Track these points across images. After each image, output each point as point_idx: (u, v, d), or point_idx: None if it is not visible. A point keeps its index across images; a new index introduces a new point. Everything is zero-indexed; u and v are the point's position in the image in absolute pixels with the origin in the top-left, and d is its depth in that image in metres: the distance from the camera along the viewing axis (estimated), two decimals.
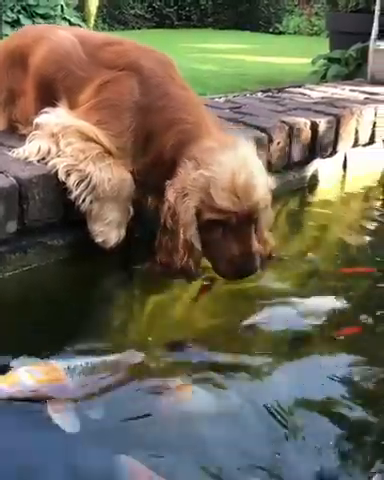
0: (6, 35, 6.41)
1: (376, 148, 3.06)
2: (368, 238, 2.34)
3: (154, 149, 1.82)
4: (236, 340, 1.64)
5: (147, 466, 1.13)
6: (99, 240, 1.82)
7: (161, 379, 1.40)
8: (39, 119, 1.85)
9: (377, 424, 1.33)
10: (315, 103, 3.02)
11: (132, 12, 12.25)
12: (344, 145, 2.83)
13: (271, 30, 12.72)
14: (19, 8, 8.39)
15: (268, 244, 1.88)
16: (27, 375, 1.32)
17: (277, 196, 2.51)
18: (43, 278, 1.85)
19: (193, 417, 1.30)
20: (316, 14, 12.78)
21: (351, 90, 3.44)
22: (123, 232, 1.86)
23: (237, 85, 5.61)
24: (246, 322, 1.67)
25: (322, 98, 3.18)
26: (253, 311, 1.73)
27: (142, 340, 1.57)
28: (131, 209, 1.87)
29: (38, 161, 1.83)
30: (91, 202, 1.79)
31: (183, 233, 1.70)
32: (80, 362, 1.39)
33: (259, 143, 2.39)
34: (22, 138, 1.96)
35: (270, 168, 2.49)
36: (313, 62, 5.59)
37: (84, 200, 1.78)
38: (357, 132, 2.87)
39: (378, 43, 3.76)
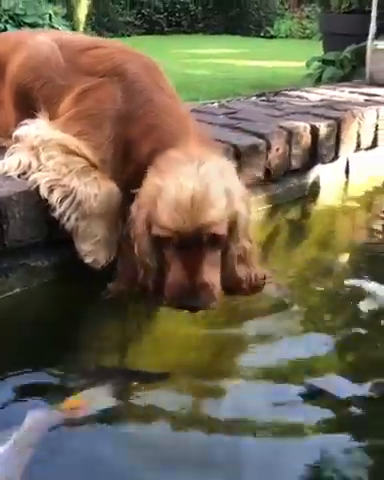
0: None
1: (379, 152, 2.93)
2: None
3: (133, 159, 1.69)
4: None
5: None
6: (88, 260, 1.69)
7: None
8: (18, 131, 1.74)
9: None
10: (314, 106, 2.90)
11: (121, 19, 12.18)
12: (346, 150, 2.70)
13: (262, 34, 12.69)
14: (6, 17, 8.31)
15: (246, 282, 1.66)
16: None
17: (277, 205, 2.44)
18: (26, 303, 1.71)
19: None
20: (307, 17, 12.75)
21: (350, 92, 3.31)
22: (114, 250, 1.72)
23: (230, 89, 5.52)
24: None
25: (321, 101, 3.05)
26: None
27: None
28: (121, 225, 1.73)
29: (18, 176, 1.70)
30: (77, 220, 1.66)
31: (137, 248, 1.58)
32: None
33: (257, 150, 2.27)
34: (1, 151, 1.83)
35: (269, 176, 2.37)
36: (307, 65, 5.50)
37: (69, 218, 1.66)
38: (359, 136, 2.75)
39: (376, 43, 3.65)
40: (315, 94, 3.27)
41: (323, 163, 2.64)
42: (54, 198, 1.63)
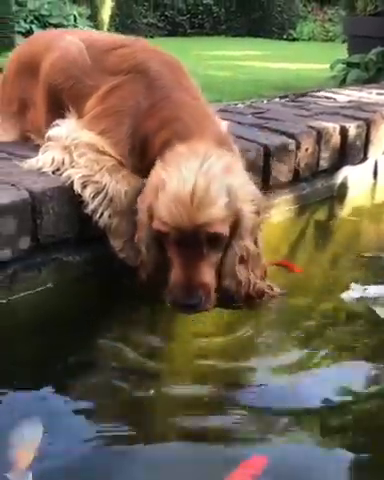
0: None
1: None
2: None
3: (148, 154, 1.70)
4: None
5: None
6: (123, 256, 1.71)
7: None
8: (51, 132, 1.77)
9: None
10: (342, 107, 2.88)
11: (145, 21, 12.25)
12: (375, 151, 2.68)
13: (285, 36, 12.68)
14: (32, 18, 8.39)
15: (245, 285, 1.60)
16: None
17: (305, 205, 2.43)
18: (58, 297, 1.72)
19: None
20: (330, 20, 12.71)
21: (378, 93, 3.28)
22: None
23: (252, 91, 5.52)
24: None
25: (349, 102, 3.03)
26: None
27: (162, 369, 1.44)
28: None
29: (53, 172, 1.73)
30: (110, 216, 1.68)
31: (137, 238, 1.60)
32: None
33: (287, 150, 2.26)
34: (34, 149, 1.87)
35: (297, 176, 2.36)
36: (332, 67, 5.48)
37: (102, 214, 1.67)
38: None
39: None
40: (342, 95, 3.25)
41: (352, 164, 2.62)
42: (87, 193, 1.65)
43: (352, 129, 2.52)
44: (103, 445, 1.19)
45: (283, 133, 2.34)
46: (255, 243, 1.61)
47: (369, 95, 3.26)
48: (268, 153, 2.20)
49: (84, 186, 1.66)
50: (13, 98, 2.11)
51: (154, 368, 1.44)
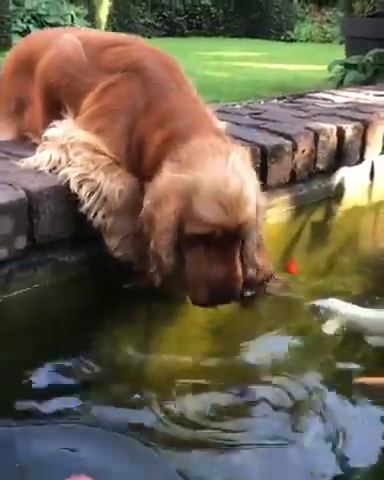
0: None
1: None
2: None
3: (146, 152, 1.68)
4: None
5: None
6: (118, 254, 1.70)
7: None
8: (48, 133, 1.77)
9: None
10: (339, 108, 2.88)
11: (142, 21, 12.24)
12: (372, 152, 2.69)
13: (283, 38, 12.68)
14: (29, 18, 8.40)
15: (261, 270, 1.68)
16: None
17: (302, 206, 2.43)
18: (54, 297, 1.72)
19: None
20: (328, 21, 12.73)
21: (376, 95, 3.29)
22: None
23: (250, 92, 5.52)
24: None
25: (346, 103, 3.03)
26: None
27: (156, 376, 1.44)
28: None
29: (49, 171, 1.72)
30: (104, 216, 1.68)
31: (154, 243, 1.55)
32: None
33: (283, 150, 2.26)
34: (32, 148, 1.86)
35: (294, 177, 2.36)
36: (329, 68, 5.49)
37: (96, 214, 1.67)
38: None
39: None
40: (340, 96, 3.26)
41: (348, 165, 2.63)
42: (83, 192, 1.65)
43: (349, 130, 2.53)
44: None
45: (280, 134, 2.34)
46: (261, 228, 1.70)
47: (366, 96, 3.27)
48: (265, 154, 2.20)
49: (80, 185, 1.66)
50: (10, 97, 2.10)
51: (151, 369, 1.44)
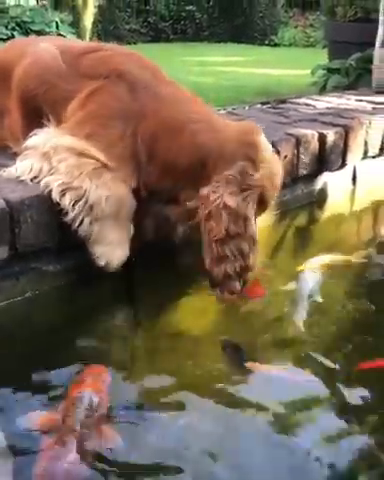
0: None
1: None
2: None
3: (163, 155, 1.71)
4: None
5: None
6: (101, 263, 1.70)
7: None
8: (28, 142, 1.75)
9: None
10: (321, 114, 2.91)
11: (127, 27, 12.25)
12: (353, 157, 2.71)
13: (267, 42, 12.72)
14: (14, 25, 8.36)
15: None
16: None
17: (285, 211, 2.45)
18: (37, 307, 1.72)
19: None
20: (311, 25, 12.79)
21: (357, 100, 3.32)
22: (127, 251, 1.74)
23: (235, 97, 5.54)
24: None
25: (328, 109, 3.06)
26: None
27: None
28: (132, 227, 1.74)
29: (31, 180, 1.71)
30: (90, 223, 1.67)
31: (253, 231, 1.67)
32: None
33: None
34: (13, 157, 1.85)
35: None
36: (313, 72, 5.51)
37: (82, 221, 1.66)
38: (366, 143, 2.75)
39: (382, 51, 3.65)
40: (322, 102, 3.28)
41: (330, 170, 2.65)
42: (66, 201, 1.64)
43: (330, 136, 2.55)
44: None
45: None
46: None
47: (348, 101, 3.30)
48: None
49: (63, 194, 1.64)
50: None
51: (137, 382, 1.44)
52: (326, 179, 2.67)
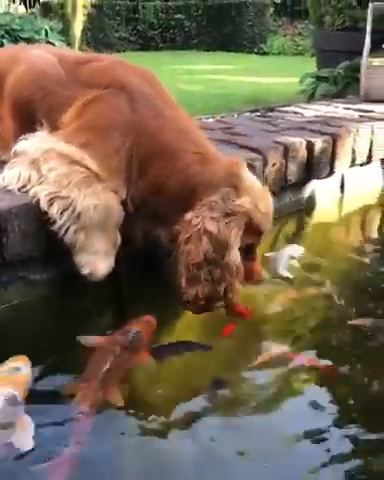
0: None
1: (373, 168, 2.95)
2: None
3: (154, 174, 1.70)
4: None
5: None
6: (86, 272, 1.68)
7: None
8: (18, 146, 1.72)
9: None
10: (309, 122, 2.92)
11: (116, 35, 12.29)
12: (341, 165, 2.72)
13: (256, 50, 12.81)
14: (2, 32, 8.35)
15: None
16: None
17: (273, 219, 2.44)
18: (24, 316, 1.71)
19: None
20: (300, 34, 12.90)
21: (345, 108, 3.34)
22: (112, 262, 1.72)
23: (224, 105, 5.57)
24: None
25: (316, 117, 3.08)
26: None
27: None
28: (119, 238, 1.73)
29: (18, 190, 1.69)
30: (76, 231, 1.65)
31: (233, 260, 1.63)
32: None
33: (254, 165, 2.28)
34: (1, 165, 1.82)
35: None
36: (301, 81, 5.54)
37: (68, 230, 1.64)
38: (354, 151, 2.77)
39: (370, 59, 3.68)
40: (310, 110, 3.30)
41: (318, 178, 2.66)
42: (54, 211, 1.62)
43: (318, 144, 2.56)
44: None
45: (251, 149, 2.36)
46: None
47: (336, 110, 3.32)
48: None
49: (51, 203, 1.63)
50: None
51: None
52: (314, 187, 2.68)
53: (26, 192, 1.67)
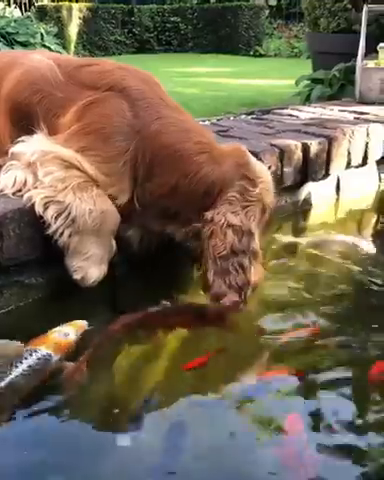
0: None
1: (369, 170, 2.95)
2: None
3: (163, 176, 1.71)
4: None
5: None
6: (77, 277, 1.67)
7: None
8: (14, 148, 1.71)
9: None
10: (305, 124, 2.92)
11: (112, 38, 12.30)
12: (336, 167, 2.73)
13: (251, 53, 12.83)
14: None
15: None
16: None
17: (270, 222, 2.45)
18: (21, 319, 1.70)
19: None
20: (295, 36, 12.93)
21: (340, 110, 3.35)
22: (105, 268, 1.72)
23: (220, 108, 5.58)
24: None
25: (311, 119, 3.08)
26: None
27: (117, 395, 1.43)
28: (114, 244, 1.73)
29: (13, 194, 1.68)
30: (70, 235, 1.64)
31: (258, 245, 1.73)
32: None
33: None
34: None
35: None
36: (297, 83, 5.56)
37: (62, 234, 1.64)
38: (349, 153, 2.77)
39: (365, 61, 3.69)
40: (305, 112, 3.30)
41: (314, 180, 2.66)
42: (49, 215, 1.61)
43: (314, 146, 2.56)
44: None
45: None
46: None
47: (331, 112, 3.32)
48: None
49: (46, 207, 1.62)
50: None
51: (123, 394, 1.43)
52: (310, 189, 2.68)
53: (21, 196, 1.66)
